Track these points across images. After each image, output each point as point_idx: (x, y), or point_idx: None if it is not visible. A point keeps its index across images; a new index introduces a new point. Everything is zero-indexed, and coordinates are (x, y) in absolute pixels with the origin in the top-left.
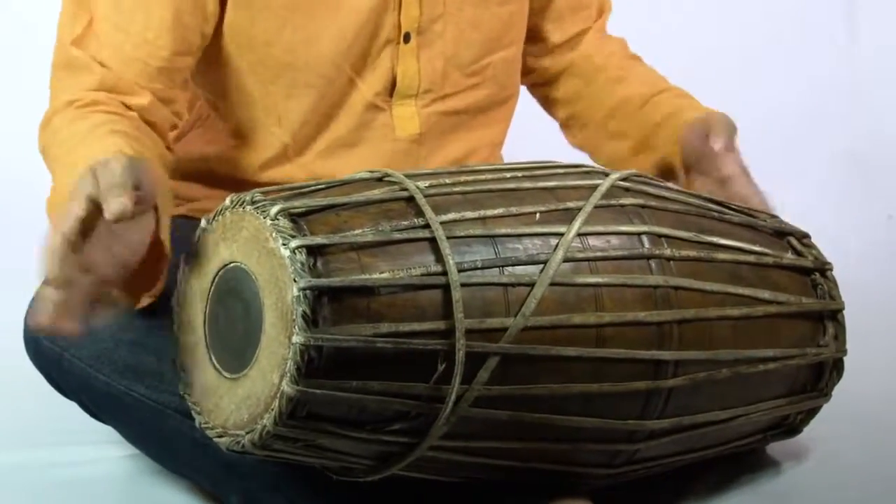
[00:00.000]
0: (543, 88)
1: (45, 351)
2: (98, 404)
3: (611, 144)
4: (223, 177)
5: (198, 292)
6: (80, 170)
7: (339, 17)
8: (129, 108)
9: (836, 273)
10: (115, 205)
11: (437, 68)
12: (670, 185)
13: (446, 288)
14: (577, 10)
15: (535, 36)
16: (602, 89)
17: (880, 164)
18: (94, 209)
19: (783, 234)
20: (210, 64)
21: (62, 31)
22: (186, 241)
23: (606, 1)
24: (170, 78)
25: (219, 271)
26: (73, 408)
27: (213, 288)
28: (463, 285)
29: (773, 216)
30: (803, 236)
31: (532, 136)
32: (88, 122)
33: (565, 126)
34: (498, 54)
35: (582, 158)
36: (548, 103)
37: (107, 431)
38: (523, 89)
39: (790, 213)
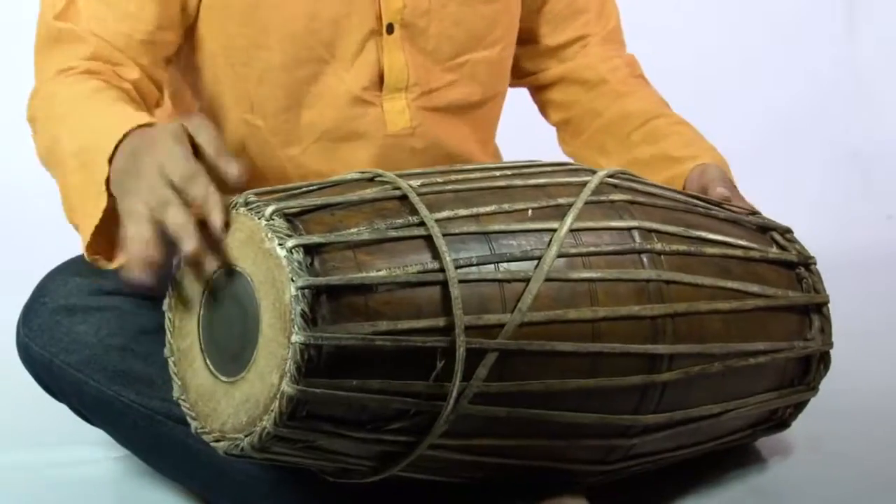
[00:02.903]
0: (542, 92)
1: (35, 356)
2: (89, 409)
3: (597, 159)
4: None
5: (191, 296)
6: (110, 121)
7: None
8: (121, 77)
9: (836, 272)
10: (237, 167)
11: (419, 62)
12: (655, 182)
13: (444, 285)
14: (573, 15)
15: (530, 38)
16: (600, 100)
17: (880, 164)
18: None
19: (766, 230)
20: (188, 50)
21: (44, 7)
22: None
23: (612, 11)
24: (153, 54)
25: (213, 274)
26: (68, 409)
27: (207, 291)
28: (460, 282)
29: (755, 212)
30: (786, 231)
31: (531, 137)
32: (86, 85)
33: (559, 131)
34: (479, 53)
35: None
36: (544, 106)
37: (101, 432)
38: (525, 92)
39: (790, 213)
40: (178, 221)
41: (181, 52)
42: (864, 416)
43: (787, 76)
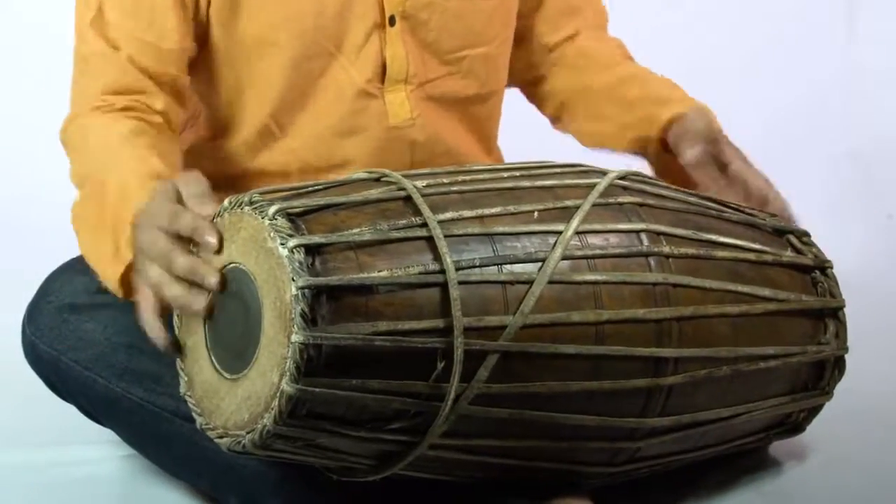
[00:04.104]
0: (535, 86)
1: (42, 355)
2: (96, 408)
3: (599, 126)
4: (215, 172)
5: None
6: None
7: None
8: (151, 109)
9: (836, 273)
10: (209, 207)
11: (418, 54)
12: (668, 184)
13: (444, 286)
14: (569, 13)
15: (527, 37)
16: (591, 75)
17: (880, 164)
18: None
19: (783, 233)
20: (197, 51)
21: (78, 18)
22: None
23: (601, 7)
24: (181, 61)
25: (218, 272)
26: (72, 408)
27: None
28: (461, 283)
29: (773, 215)
30: (803, 234)
31: (530, 137)
32: (122, 126)
33: (555, 117)
34: (477, 49)
35: (579, 158)
36: (540, 98)
37: (106, 431)
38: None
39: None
40: (183, 265)
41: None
42: (867, 418)
43: (787, 76)
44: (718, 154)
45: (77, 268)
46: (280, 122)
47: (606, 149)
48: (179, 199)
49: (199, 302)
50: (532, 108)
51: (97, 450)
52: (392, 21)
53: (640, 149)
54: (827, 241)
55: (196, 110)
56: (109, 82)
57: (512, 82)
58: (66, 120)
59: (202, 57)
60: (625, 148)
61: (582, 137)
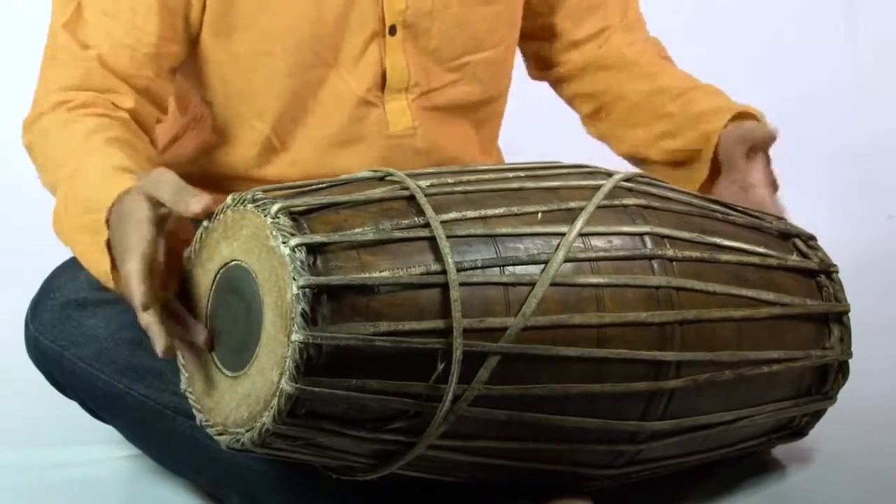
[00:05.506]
0: (568, 84)
1: (45, 350)
2: (99, 404)
3: (634, 133)
4: (216, 177)
5: (200, 291)
6: (93, 179)
7: (319, 2)
8: (117, 107)
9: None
10: (199, 202)
11: (420, 62)
12: (674, 186)
13: (445, 287)
14: (594, 8)
15: (551, 34)
16: (631, 82)
17: (880, 164)
18: (157, 228)
19: (789, 236)
20: (194, 60)
21: (53, 17)
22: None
23: (631, 1)
24: (158, 65)
25: (220, 270)
26: (74, 407)
27: (214, 286)
28: (462, 284)
29: (780, 218)
30: (809, 238)
31: (531, 137)
32: (81, 126)
33: (589, 119)
34: (480, 54)
35: (585, 159)
36: (573, 99)
37: (107, 431)
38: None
39: (790, 213)
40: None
41: (188, 62)
42: (869, 419)
43: (788, 76)
44: (750, 173)
45: (80, 264)
46: (280, 134)
47: (641, 157)
48: (157, 204)
49: (159, 344)
50: (532, 108)
51: (98, 450)
52: (393, 30)
53: (682, 160)
54: (827, 242)
55: (199, 113)
56: (73, 79)
57: (544, 76)
58: (25, 121)
59: (198, 64)
60: (663, 158)
61: (617, 144)
